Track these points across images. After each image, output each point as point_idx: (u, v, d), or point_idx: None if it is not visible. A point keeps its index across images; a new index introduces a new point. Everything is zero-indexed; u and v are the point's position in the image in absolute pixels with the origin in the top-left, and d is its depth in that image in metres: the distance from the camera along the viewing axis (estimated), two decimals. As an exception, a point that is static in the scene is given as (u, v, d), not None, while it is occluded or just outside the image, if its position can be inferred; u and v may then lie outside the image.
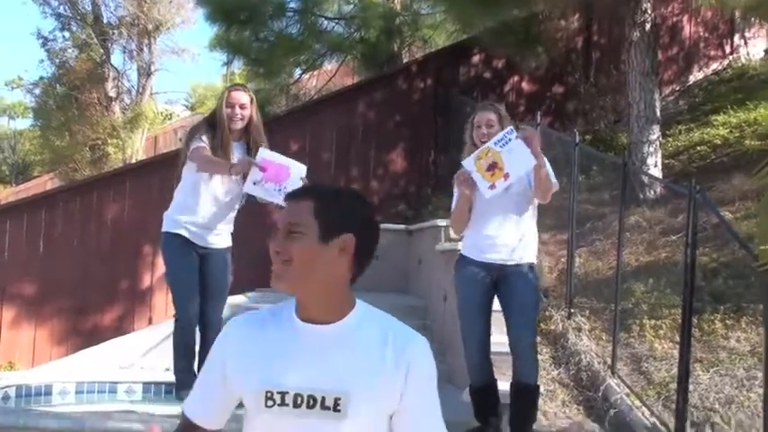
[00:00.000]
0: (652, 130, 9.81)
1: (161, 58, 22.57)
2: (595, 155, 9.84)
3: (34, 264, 9.95)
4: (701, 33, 14.33)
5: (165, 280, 6.02)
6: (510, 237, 5.33)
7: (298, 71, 15.18)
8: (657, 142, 9.88)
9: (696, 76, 14.09)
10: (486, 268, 5.35)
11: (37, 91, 23.70)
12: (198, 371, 5.98)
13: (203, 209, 5.73)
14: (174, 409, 6.09)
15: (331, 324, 2.18)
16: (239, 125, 5.77)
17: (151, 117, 21.26)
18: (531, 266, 5.42)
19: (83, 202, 10.42)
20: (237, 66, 16.29)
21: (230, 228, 5.93)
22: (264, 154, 5.59)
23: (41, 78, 23.17)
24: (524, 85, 13.40)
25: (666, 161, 10.32)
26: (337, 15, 14.71)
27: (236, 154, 5.77)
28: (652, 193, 9.49)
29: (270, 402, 2.15)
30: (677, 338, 6.14)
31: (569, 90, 13.25)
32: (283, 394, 2.14)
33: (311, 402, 2.12)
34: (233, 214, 5.90)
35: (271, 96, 14.73)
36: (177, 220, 5.80)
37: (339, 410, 2.11)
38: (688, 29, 14.25)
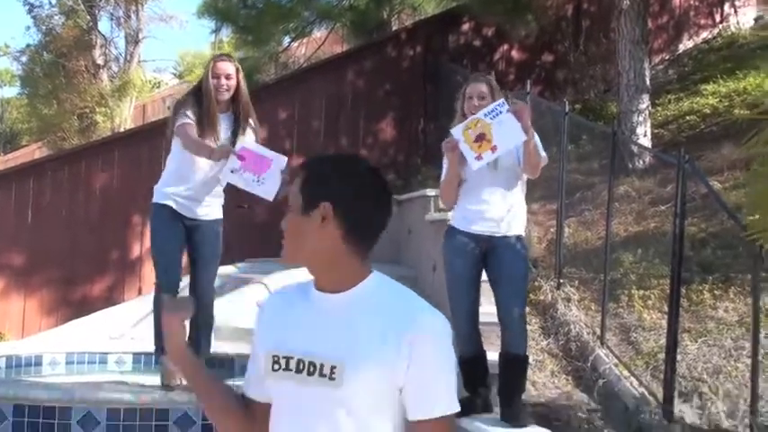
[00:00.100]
0: (641, 99, 9.81)
1: (149, 25, 22.35)
2: (585, 124, 9.83)
3: (23, 234, 9.92)
4: (692, 2, 14.32)
5: (151, 250, 6.01)
6: (498, 210, 5.33)
7: (287, 39, 15.06)
8: (647, 111, 9.88)
9: (686, 44, 14.08)
10: (474, 239, 5.35)
11: (24, 59, 23.50)
12: (188, 342, 5.99)
13: (190, 181, 5.70)
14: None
15: (338, 293, 2.20)
16: (226, 96, 5.73)
17: (139, 85, 21.09)
18: (518, 237, 5.42)
19: (71, 171, 10.38)
20: (226, 33, 16.20)
21: (220, 200, 5.90)
22: (245, 143, 5.55)
23: (28, 46, 22.96)
24: (514, 53, 13.37)
25: (656, 130, 10.33)
26: (326, -18, 14.61)
27: (224, 125, 5.74)
28: (641, 162, 9.50)
29: (276, 366, 2.20)
30: (666, 309, 6.18)
31: (559, 59, 13.22)
32: (288, 359, 2.19)
33: (311, 369, 2.15)
34: (219, 188, 5.87)
35: (260, 64, 14.62)
36: (165, 192, 5.78)
37: (334, 379, 2.13)
38: (678, -3, 14.23)
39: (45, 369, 6.76)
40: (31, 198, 10.04)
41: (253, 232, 10.23)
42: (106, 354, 6.92)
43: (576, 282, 7.47)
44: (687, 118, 10.81)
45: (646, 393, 5.84)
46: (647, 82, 10.00)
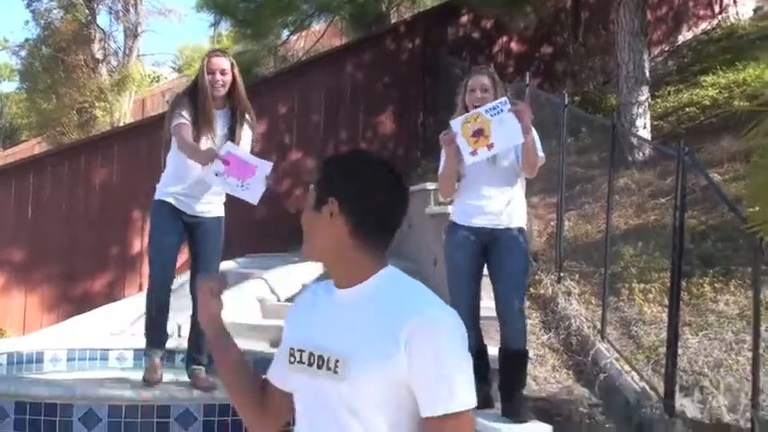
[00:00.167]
0: (641, 91, 9.80)
1: (148, 18, 22.35)
2: (584, 116, 9.82)
3: (23, 230, 9.91)
4: (691, -8, 14.29)
5: (148, 246, 6.01)
6: (497, 204, 5.34)
7: (285, 32, 15.03)
8: (646, 103, 9.87)
9: (685, 35, 14.06)
10: (475, 233, 5.36)
11: (23, 53, 23.44)
12: (189, 339, 6.00)
13: (187, 180, 5.69)
14: (165, 376, 6.12)
15: (349, 288, 2.26)
16: (221, 92, 5.71)
17: (138, 79, 21.04)
18: (520, 230, 5.43)
19: (71, 166, 10.36)
20: (225, 27, 16.13)
21: (222, 198, 5.89)
22: (230, 147, 5.54)
23: (27, 40, 22.92)
24: (513, 45, 13.35)
25: (655, 122, 10.32)
26: (325, -25, 14.58)
27: (220, 122, 5.73)
28: (641, 155, 9.50)
29: (292, 359, 2.28)
30: (666, 302, 6.17)
31: (558, 50, 13.21)
32: (302, 352, 2.25)
33: (320, 362, 2.20)
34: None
35: (259, 58, 14.61)
36: (166, 190, 5.79)
37: (338, 372, 2.16)
38: (677, -13, 14.20)
39: (46, 366, 6.77)
40: (30, 194, 10.03)
41: (253, 227, 10.23)
42: (107, 350, 6.93)
43: (577, 275, 7.47)
44: (687, 110, 10.80)
45: (647, 388, 5.85)
46: (647, 74, 9.99)
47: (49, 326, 8.79)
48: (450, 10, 13.11)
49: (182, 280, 7.59)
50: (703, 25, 14.14)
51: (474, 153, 5.17)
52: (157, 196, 5.81)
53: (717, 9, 14.25)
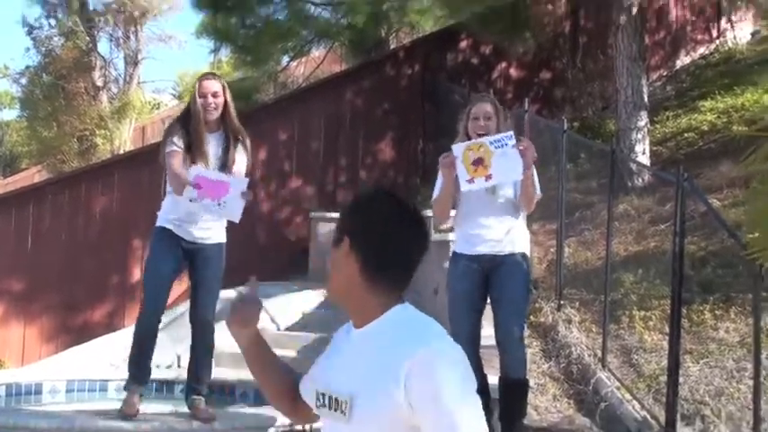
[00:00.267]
0: (640, 116, 9.81)
1: (148, 45, 22.38)
2: (583, 142, 9.83)
3: (23, 259, 9.87)
4: (688, 17, 14.35)
5: (144, 272, 6.00)
6: (497, 233, 5.35)
7: (285, 58, 15.11)
8: (645, 129, 9.88)
9: (683, 60, 14.11)
10: (477, 261, 5.37)
11: (23, 80, 23.45)
12: (189, 369, 5.97)
13: (182, 205, 5.69)
14: (163, 407, 6.11)
15: (360, 329, 2.29)
16: (214, 114, 5.71)
17: (139, 106, 21.08)
18: (523, 255, 5.43)
19: (71, 194, 10.34)
20: (225, 53, 16.20)
21: (221, 222, 5.88)
22: (198, 171, 5.54)
23: (28, 67, 22.95)
24: (512, 71, 13.40)
25: (654, 148, 10.34)
26: (324, 1, 14.62)
27: (214, 144, 5.73)
28: (640, 180, 9.50)
29: (318, 402, 2.32)
30: (667, 330, 6.15)
31: (557, 76, 13.25)
32: (324, 395, 2.30)
33: (336, 405, 2.23)
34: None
35: (258, 84, 14.66)
36: (166, 216, 5.79)
37: (344, 413, 2.18)
38: (675, 12, 14.27)
39: (45, 397, 6.74)
40: (30, 223, 10.00)
41: (254, 255, 10.22)
42: (106, 381, 6.90)
43: (577, 303, 7.45)
44: (685, 135, 10.81)
45: (648, 417, 5.81)
46: (645, 99, 10.01)
47: (47, 356, 8.75)
48: (449, 36, 13.17)
49: (182, 309, 7.58)
50: (701, 50, 14.19)
51: (471, 181, 5.19)
52: (158, 223, 5.83)
53: (714, 34, 14.31)
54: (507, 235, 5.36)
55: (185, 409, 5.80)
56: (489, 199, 5.31)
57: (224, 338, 7.14)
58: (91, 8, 21.88)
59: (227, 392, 6.70)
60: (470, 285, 5.39)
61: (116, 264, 10.24)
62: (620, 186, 8.85)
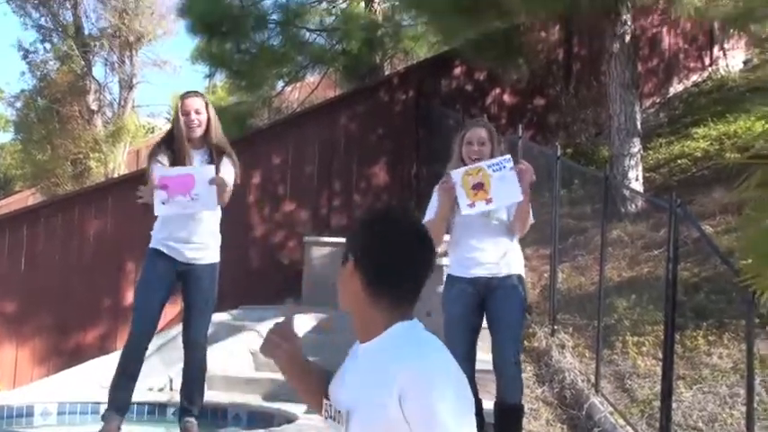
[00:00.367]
0: (633, 142, 9.85)
1: (143, 70, 22.52)
2: (577, 168, 9.87)
3: (15, 281, 9.85)
4: (681, 45, 14.43)
5: (134, 294, 5.98)
6: (492, 255, 5.35)
7: (280, 83, 15.15)
8: (638, 155, 9.92)
9: (676, 87, 14.18)
10: (473, 284, 5.36)
11: (18, 104, 23.55)
12: (181, 391, 5.95)
13: (171, 224, 5.69)
14: (156, 429, 6.09)
15: (364, 344, 2.34)
16: (198, 132, 5.70)
17: (133, 130, 21.16)
18: (519, 278, 5.43)
19: (65, 217, 10.33)
20: (219, 78, 16.26)
21: (212, 242, 5.84)
22: (160, 171, 5.55)
23: (22, 91, 23.05)
24: (506, 97, 13.45)
25: (647, 174, 10.37)
26: (319, 27, 14.71)
27: (197, 161, 5.71)
28: (633, 206, 9.52)
29: (326, 414, 2.40)
30: (660, 355, 6.16)
31: (550, 102, 13.29)
32: (330, 406, 2.38)
33: (336, 415, 2.32)
34: (206, 227, 5.80)
35: (253, 109, 14.71)
36: (157, 237, 5.79)
37: (342, 424, 2.26)
38: (668, 40, 14.35)
39: (36, 420, 6.71)
40: (24, 245, 9.98)
41: (246, 279, 10.22)
42: (98, 404, 6.83)
43: (570, 328, 7.46)
44: (678, 162, 10.86)
45: (641, 442, 5.81)
46: (639, 125, 10.05)
47: (39, 379, 8.72)
48: (443, 62, 13.23)
49: (174, 332, 7.57)
50: (694, 77, 14.26)
51: (472, 205, 5.21)
52: (151, 244, 5.82)
53: (707, 62, 14.39)
54: (503, 258, 5.37)
55: (178, 432, 5.78)
56: (484, 222, 5.32)
57: (216, 361, 7.17)
58: (86, 33, 21.99)
59: (219, 415, 6.68)
60: (465, 308, 5.39)
61: (109, 287, 10.21)
62: (614, 212, 8.87)
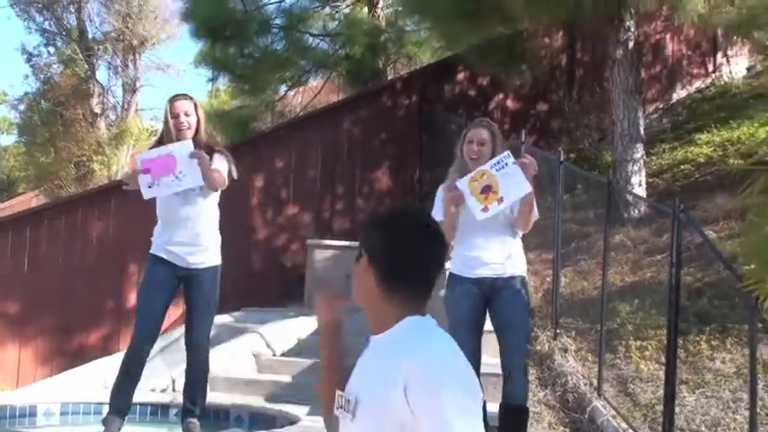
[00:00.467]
0: (636, 148, 9.86)
1: (146, 73, 22.57)
2: (580, 173, 9.87)
3: (19, 282, 9.86)
4: (684, 51, 14.44)
5: (137, 299, 5.99)
6: (496, 255, 5.35)
7: (283, 88, 15.17)
8: (641, 161, 9.92)
9: (679, 93, 14.18)
10: (477, 284, 5.35)
11: (22, 107, 23.60)
12: (184, 392, 5.96)
13: (170, 226, 5.70)
14: (159, 430, 6.09)
15: (378, 335, 2.38)
16: (188, 134, 5.70)
17: (136, 133, 21.20)
18: (522, 280, 5.43)
19: (68, 219, 10.35)
20: (223, 82, 16.27)
21: (211, 244, 5.82)
22: (141, 155, 5.58)
23: (26, 94, 23.09)
24: (509, 102, 13.46)
25: (650, 180, 10.38)
26: (322, 32, 14.73)
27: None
28: (636, 212, 9.53)
29: (336, 404, 2.42)
30: (663, 359, 6.16)
31: (553, 108, 13.30)
32: (341, 397, 2.39)
33: (345, 404, 2.34)
34: (206, 229, 5.81)
35: (256, 113, 14.72)
36: (156, 242, 5.80)
37: (350, 413, 2.30)
38: (671, 47, 14.36)
39: (39, 420, 6.72)
40: (27, 247, 10.00)
41: (248, 281, 10.23)
42: (101, 404, 6.84)
43: (573, 332, 7.45)
44: (681, 167, 10.87)
45: (644, 446, 5.81)
46: (642, 131, 10.05)
47: (42, 379, 8.73)
48: (446, 67, 13.24)
49: (177, 334, 7.59)
50: (697, 83, 14.28)
51: (485, 209, 5.20)
52: (152, 250, 5.82)
53: (710, 68, 14.41)
54: (508, 258, 5.37)
55: (180, 433, 5.79)
56: (485, 224, 5.31)
57: (219, 363, 7.18)
58: (90, 36, 22.03)
59: (221, 417, 6.68)
60: (471, 308, 5.36)
61: (112, 288, 10.23)
62: (617, 217, 8.87)
